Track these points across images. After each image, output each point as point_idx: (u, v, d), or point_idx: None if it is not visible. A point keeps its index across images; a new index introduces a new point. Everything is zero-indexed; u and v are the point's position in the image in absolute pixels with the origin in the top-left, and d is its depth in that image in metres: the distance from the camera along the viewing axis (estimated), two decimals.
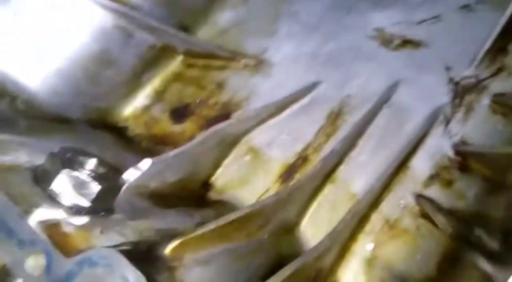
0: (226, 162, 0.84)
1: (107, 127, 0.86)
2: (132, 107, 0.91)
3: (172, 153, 0.72)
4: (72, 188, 0.54)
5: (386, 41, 0.88)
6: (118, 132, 0.88)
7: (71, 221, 0.50)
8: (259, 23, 0.93)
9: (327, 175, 0.77)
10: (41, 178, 0.56)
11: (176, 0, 0.87)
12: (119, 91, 0.89)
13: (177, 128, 0.89)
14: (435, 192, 0.72)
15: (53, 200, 0.54)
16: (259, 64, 0.90)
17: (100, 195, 0.56)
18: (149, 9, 0.83)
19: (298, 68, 0.87)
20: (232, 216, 0.61)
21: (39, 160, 0.59)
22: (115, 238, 0.52)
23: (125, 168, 0.75)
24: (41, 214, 0.51)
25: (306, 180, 0.73)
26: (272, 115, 0.85)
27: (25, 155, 0.58)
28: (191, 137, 0.88)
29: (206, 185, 0.83)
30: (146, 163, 0.66)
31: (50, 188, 0.54)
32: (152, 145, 0.88)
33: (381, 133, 0.79)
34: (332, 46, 0.89)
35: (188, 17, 0.91)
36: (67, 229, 0.49)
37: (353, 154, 0.78)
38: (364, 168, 0.77)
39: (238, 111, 0.88)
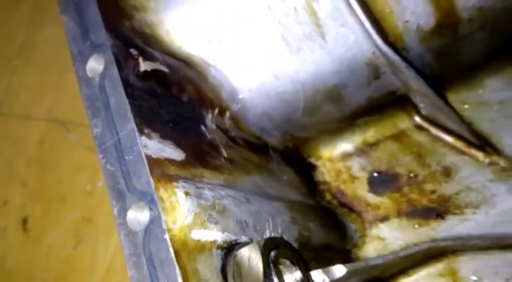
0: (417, 273, 0.66)
1: (296, 162, 0.71)
2: (331, 148, 0.75)
3: (372, 261, 0.56)
4: None
5: None
6: (306, 170, 0.73)
7: None
8: None
9: None
10: (231, 274, 0.42)
11: (455, 51, 0.66)
12: (327, 127, 0.72)
13: (371, 198, 0.72)
14: None
15: None
16: (511, 170, 0.68)
17: None
18: (416, 55, 0.64)
19: None
20: None
21: (233, 234, 0.46)
22: None
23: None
24: None
25: None
26: (495, 247, 0.64)
27: (220, 226, 0.44)
28: (383, 218, 0.71)
29: None
30: (339, 270, 0.51)
31: None
32: (336, 204, 0.72)
33: None
34: None
35: (450, 72, 0.70)
36: None
37: None
38: None
39: (456, 216, 0.68)
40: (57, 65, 1.20)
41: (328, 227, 0.66)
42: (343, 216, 0.71)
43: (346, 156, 0.74)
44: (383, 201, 0.71)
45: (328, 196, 0.72)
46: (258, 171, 0.60)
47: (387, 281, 0.67)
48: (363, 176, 0.73)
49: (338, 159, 0.74)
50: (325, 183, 0.73)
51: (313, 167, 0.74)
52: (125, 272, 0.97)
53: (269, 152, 0.65)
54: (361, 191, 0.72)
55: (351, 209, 0.72)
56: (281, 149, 0.69)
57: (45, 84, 1.20)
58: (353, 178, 0.73)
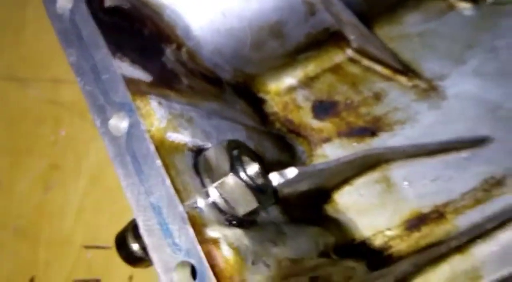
0: (356, 181, 0.77)
1: (248, 97, 0.80)
2: (277, 83, 0.83)
3: (318, 166, 0.66)
4: (233, 196, 0.49)
5: None
6: (256, 104, 0.82)
7: (231, 242, 0.45)
8: (447, 44, 0.81)
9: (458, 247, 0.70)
10: (202, 169, 0.51)
11: None
12: (272, 62, 0.81)
13: (315, 123, 0.82)
14: None
15: (211, 201, 0.49)
16: (430, 90, 0.80)
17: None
18: None
19: (471, 114, 0.77)
20: None
21: (200, 140, 0.54)
22: (261, 270, 0.48)
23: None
24: (200, 217, 0.46)
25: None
26: (421, 154, 0.76)
27: (189, 132, 0.52)
28: (326, 140, 0.81)
29: (326, 196, 0.77)
30: (291, 172, 0.60)
31: (214, 184, 0.49)
32: (285, 131, 0.81)
33: None
34: None
35: (375, 9, 0.81)
36: (226, 253, 0.44)
37: (501, 235, 0.70)
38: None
39: (387, 132, 0.79)
40: (12, 25, 1.21)
41: (279, 149, 0.76)
42: (292, 140, 0.80)
43: (291, 89, 0.84)
44: (325, 125, 0.81)
45: (277, 125, 0.82)
46: (215, 99, 0.68)
47: (332, 191, 0.78)
48: (307, 105, 0.83)
49: (284, 92, 0.84)
50: (274, 113, 0.82)
51: (262, 101, 0.83)
52: (96, 212, 1.02)
53: (223, 85, 0.73)
54: (306, 119, 0.82)
55: (298, 134, 0.81)
56: (233, 84, 0.77)
57: (0, 43, 1.22)
58: (298, 108, 0.83)
